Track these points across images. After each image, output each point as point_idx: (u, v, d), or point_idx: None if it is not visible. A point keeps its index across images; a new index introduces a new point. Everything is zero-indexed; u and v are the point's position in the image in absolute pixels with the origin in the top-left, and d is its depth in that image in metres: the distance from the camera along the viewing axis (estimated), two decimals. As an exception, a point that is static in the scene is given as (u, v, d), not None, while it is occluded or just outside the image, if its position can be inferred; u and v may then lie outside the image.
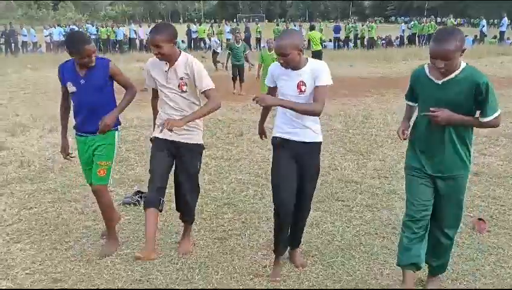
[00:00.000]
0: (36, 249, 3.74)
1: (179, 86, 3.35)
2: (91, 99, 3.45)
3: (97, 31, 27.83)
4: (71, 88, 3.48)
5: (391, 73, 15.99)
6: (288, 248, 3.46)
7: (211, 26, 31.00)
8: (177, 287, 3.17)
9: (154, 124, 3.64)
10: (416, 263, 2.92)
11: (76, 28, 28.06)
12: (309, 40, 14.25)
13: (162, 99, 3.47)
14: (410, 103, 3.12)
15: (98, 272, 3.38)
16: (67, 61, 3.52)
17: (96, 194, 3.57)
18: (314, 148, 3.19)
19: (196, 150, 3.52)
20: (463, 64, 2.68)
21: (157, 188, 3.31)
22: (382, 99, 10.76)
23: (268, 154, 6.20)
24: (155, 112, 3.67)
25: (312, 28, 17.17)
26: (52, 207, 4.60)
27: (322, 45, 12.32)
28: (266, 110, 3.52)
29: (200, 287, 3.16)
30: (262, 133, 3.65)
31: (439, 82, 2.72)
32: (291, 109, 3.00)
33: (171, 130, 3.13)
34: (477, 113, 2.74)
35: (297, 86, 3.04)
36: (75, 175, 5.31)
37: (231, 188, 5.09)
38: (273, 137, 3.25)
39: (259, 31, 28.91)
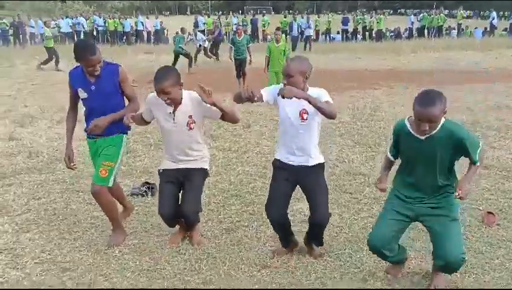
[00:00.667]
0: (45, 238, 3.77)
1: (187, 124, 3.39)
2: (102, 105, 3.47)
3: (104, 23, 27.84)
4: (82, 94, 3.49)
5: (400, 65, 15.89)
6: (306, 238, 3.51)
7: (218, 18, 30.88)
8: (184, 278, 3.18)
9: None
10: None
11: (84, 20, 28.18)
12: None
13: (164, 138, 3.55)
14: (392, 158, 3.14)
15: (106, 262, 3.40)
16: (76, 67, 3.51)
17: (94, 195, 3.53)
18: (317, 168, 3.25)
19: (201, 173, 3.59)
20: (442, 120, 2.74)
21: (168, 214, 3.51)
22: (390, 91, 10.68)
23: (276, 146, 6.19)
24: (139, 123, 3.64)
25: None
26: (60, 197, 4.62)
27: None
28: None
29: (207, 278, 3.17)
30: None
31: (422, 138, 2.78)
32: (315, 105, 2.94)
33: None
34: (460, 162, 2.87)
35: (300, 114, 3.10)
36: (84, 166, 5.34)
37: (239, 179, 5.09)
38: (274, 159, 3.36)
39: (268, 23, 28.77)
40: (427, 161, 2.81)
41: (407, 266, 3.27)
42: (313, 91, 3.11)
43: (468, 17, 41.69)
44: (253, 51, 11.89)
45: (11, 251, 3.58)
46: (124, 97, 3.61)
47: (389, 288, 3.06)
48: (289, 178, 3.28)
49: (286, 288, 3.06)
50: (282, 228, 3.39)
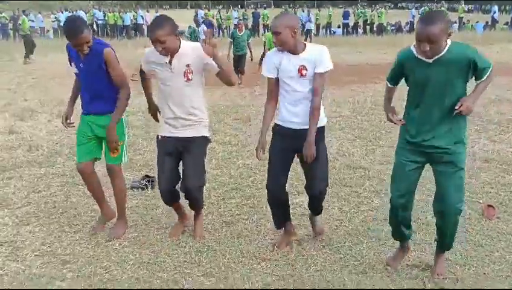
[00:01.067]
0: (45, 231, 3.77)
1: (184, 74, 3.28)
2: (90, 83, 3.43)
3: (104, 16, 27.77)
4: (74, 69, 3.48)
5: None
6: (310, 213, 3.55)
7: (219, 12, 30.81)
8: (184, 270, 3.19)
9: (150, 104, 3.64)
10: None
11: (84, 13, 28.09)
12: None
13: (163, 96, 3.41)
14: (391, 85, 3.10)
15: (107, 255, 3.40)
16: None
17: (110, 174, 3.57)
18: (318, 132, 3.16)
19: (202, 141, 3.49)
20: (448, 42, 2.66)
21: (168, 191, 3.47)
22: (391, 85, 10.64)
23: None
24: (148, 93, 3.65)
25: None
26: (60, 191, 4.62)
27: None
28: (271, 112, 3.36)
29: (207, 271, 3.17)
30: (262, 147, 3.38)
31: (430, 61, 2.70)
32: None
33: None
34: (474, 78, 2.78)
35: (299, 70, 3.04)
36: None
37: (239, 173, 5.09)
38: (274, 124, 3.30)
39: (268, 17, 28.69)
40: (436, 86, 2.71)
41: (407, 259, 3.27)
42: (312, 49, 3.06)
43: (469, 11, 41.46)
44: (253, 45, 11.79)
45: (12, 243, 3.58)
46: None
47: (386, 287, 3.07)
48: (288, 146, 3.21)
49: (288, 288, 3.05)
50: (278, 201, 3.33)
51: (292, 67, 3.06)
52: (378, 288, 2.97)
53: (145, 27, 27.44)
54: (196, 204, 3.62)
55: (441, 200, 2.88)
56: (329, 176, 3.34)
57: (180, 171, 3.51)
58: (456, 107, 2.69)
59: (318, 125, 3.15)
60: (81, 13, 27.96)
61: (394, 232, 3.19)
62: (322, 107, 3.18)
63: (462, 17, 29.16)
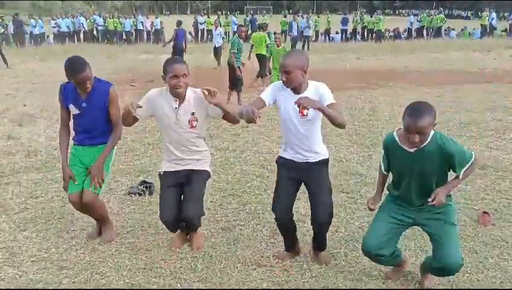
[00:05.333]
0: (42, 237, 3.79)
1: (189, 122, 3.35)
2: (93, 121, 3.47)
3: (104, 22, 27.85)
4: (74, 110, 3.47)
5: (399, 66, 15.90)
6: (312, 249, 3.48)
7: (218, 18, 30.89)
8: (180, 276, 3.20)
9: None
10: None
11: (84, 19, 28.19)
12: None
13: (166, 139, 3.47)
14: (385, 172, 3.14)
15: (103, 260, 3.41)
16: (68, 82, 3.46)
17: (89, 203, 3.51)
18: (321, 164, 3.21)
19: (203, 175, 3.53)
20: (432, 133, 2.75)
21: (171, 222, 3.47)
22: (389, 92, 10.70)
23: (274, 146, 6.22)
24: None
25: (260, 28, 12.54)
26: (58, 196, 4.64)
27: (266, 49, 10.71)
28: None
29: (203, 277, 3.19)
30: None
31: (412, 151, 2.80)
32: (328, 115, 2.91)
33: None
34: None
35: (299, 111, 3.05)
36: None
37: (236, 179, 5.11)
38: (278, 157, 3.33)
39: (267, 23, 28.74)
40: (417, 174, 2.83)
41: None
42: (314, 87, 3.07)
43: (466, 17, 41.52)
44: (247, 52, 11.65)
45: (8, 249, 3.59)
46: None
47: (384, 288, 3.08)
48: (294, 176, 3.24)
49: (284, 288, 3.07)
50: (286, 228, 3.36)
51: (293, 105, 2.98)
52: (372, 294, 2.99)
53: (144, 33, 27.53)
54: (193, 229, 3.62)
55: (440, 260, 2.87)
56: (332, 192, 3.30)
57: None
58: (429, 199, 2.77)
59: (322, 157, 3.20)
60: (82, 19, 28.12)
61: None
62: (321, 144, 3.21)
63: (486, 25, 28.04)
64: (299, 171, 3.21)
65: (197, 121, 3.37)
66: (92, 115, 3.45)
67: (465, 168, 2.79)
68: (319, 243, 3.39)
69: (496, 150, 6.06)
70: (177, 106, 3.32)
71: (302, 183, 3.31)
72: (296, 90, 3.07)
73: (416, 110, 2.67)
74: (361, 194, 4.63)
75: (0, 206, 4.38)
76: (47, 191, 4.78)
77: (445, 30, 29.29)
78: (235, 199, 4.57)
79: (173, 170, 3.51)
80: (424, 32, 27.97)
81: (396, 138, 2.88)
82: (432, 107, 2.72)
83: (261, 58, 11.27)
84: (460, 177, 2.82)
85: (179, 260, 3.41)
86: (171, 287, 3.08)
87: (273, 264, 3.35)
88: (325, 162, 3.24)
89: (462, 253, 2.90)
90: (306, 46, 22.29)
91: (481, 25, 27.44)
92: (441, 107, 8.02)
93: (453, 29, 29.74)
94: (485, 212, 4.03)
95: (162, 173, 3.57)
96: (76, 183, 3.51)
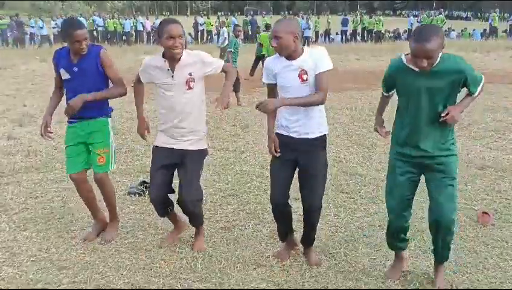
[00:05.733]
0: (42, 237, 3.79)
1: (186, 82, 3.27)
2: (83, 87, 3.40)
3: (104, 23, 27.87)
4: (65, 75, 3.45)
5: (398, 66, 15.87)
6: (303, 249, 3.46)
7: (218, 19, 30.92)
8: (180, 276, 3.20)
9: (140, 120, 3.57)
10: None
11: (84, 20, 28.18)
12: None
13: (162, 104, 3.36)
14: (386, 93, 3.12)
15: (103, 260, 3.41)
16: (63, 47, 3.50)
17: (98, 183, 3.58)
18: (319, 142, 3.14)
19: (199, 155, 3.44)
20: (441, 54, 2.68)
21: (159, 201, 3.44)
22: (389, 92, 10.68)
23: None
24: (139, 100, 3.60)
25: (268, 28, 12.96)
26: (58, 196, 4.64)
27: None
28: (273, 114, 3.22)
29: (203, 277, 3.19)
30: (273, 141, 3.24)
31: (419, 70, 2.72)
32: (298, 105, 2.95)
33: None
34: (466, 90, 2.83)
35: (299, 76, 3.00)
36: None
37: (236, 179, 5.11)
38: (275, 133, 3.23)
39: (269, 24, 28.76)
40: (426, 93, 2.73)
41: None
42: (311, 52, 3.03)
43: (466, 18, 41.60)
44: (248, 52, 11.61)
45: (8, 249, 3.59)
46: (109, 82, 3.53)
47: (384, 288, 3.08)
48: (289, 157, 3.16)
49: (284, 288, 3.07)
50: (281, 214, 3.30)
51: (292, 73, 3.02)
52: (372, 294, 2.99)
53: (144, 34, 27.56)
54: (195, 219, 3.54)
55: (434, 211, 2.89)
56: (326, 182, 3.29)
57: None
58: (442, 115, 2.73)
59: (320, 134, 3.12)
60: (82, 20, 28.09)
61: (389, 242, 3.21)
62: (324, 114, 3.17)
63: (496, 27, 27.94)
64: (296, 150, 3.14)
65: (194, 82, 3.28)
66: (82, 80, 3.39)
67: (480, 87, 2.75)
68: (307, 238, 3.35)
69: (495, 150, 6.06)
70: (169, 68, 3.25)
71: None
72: (292, 57, 3.03)
73: (424, 33, 2.56)
74: (361, 194, 4.64)
75: (0, 206, 4.38)
76: (47, 191, 4.78)
77: (445, 31, 29.33)
78: (235, 199, 4.57)
79: (168, 146, 3.38)
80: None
81: (404, 59, 2.79)
82: (439, 28, 2.64)
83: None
84: (476, 94, 2.78)
85: (178, 260, 3.41)
86: (171, 287, 3.08)
87: (273, 264, 3.35)
88: (323, 141, 3.16)
89: (456, 207, 2.92)
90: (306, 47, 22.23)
91: (490, 25, 27.38)
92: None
93: (453, 30, 29.77)
94: (484, 213, 4.03)
95: (155, 147, 3.45)
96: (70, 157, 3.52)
